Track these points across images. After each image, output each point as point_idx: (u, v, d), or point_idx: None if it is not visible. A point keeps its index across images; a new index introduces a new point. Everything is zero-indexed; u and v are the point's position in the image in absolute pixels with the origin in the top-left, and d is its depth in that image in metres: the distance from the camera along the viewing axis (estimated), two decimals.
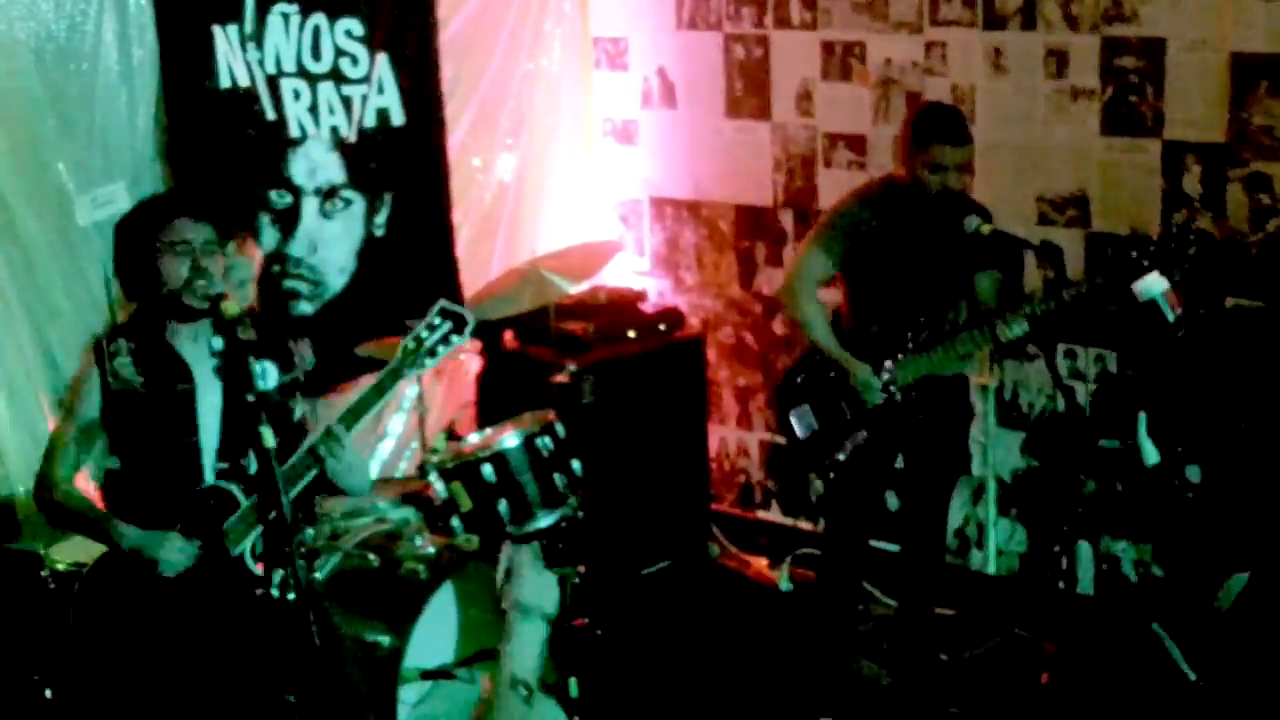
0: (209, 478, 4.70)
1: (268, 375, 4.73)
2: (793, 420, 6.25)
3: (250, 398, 4.40)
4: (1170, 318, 5.22)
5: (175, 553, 4.62)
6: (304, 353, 4.96)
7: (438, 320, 4.78)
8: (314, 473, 4.70)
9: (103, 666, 4.65)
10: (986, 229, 5.66)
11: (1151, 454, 6.02)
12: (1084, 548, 6.52)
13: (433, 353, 4.76)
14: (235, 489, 4.67)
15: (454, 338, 4.77)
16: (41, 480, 4.81)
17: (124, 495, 4.76)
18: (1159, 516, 6.55)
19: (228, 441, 4.71)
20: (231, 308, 4.46)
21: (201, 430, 4.72)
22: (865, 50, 7.20)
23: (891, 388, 5.98)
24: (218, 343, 4.58)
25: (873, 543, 6.40)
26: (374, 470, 7.31)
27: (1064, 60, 6.62)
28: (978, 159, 6.74)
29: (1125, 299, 5.31)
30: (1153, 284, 5.25)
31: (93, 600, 4.71)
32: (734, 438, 8.06)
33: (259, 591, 4.63)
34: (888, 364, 5.98)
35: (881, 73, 7.18)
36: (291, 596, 4.46)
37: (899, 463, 6.28)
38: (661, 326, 7.60)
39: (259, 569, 4.64)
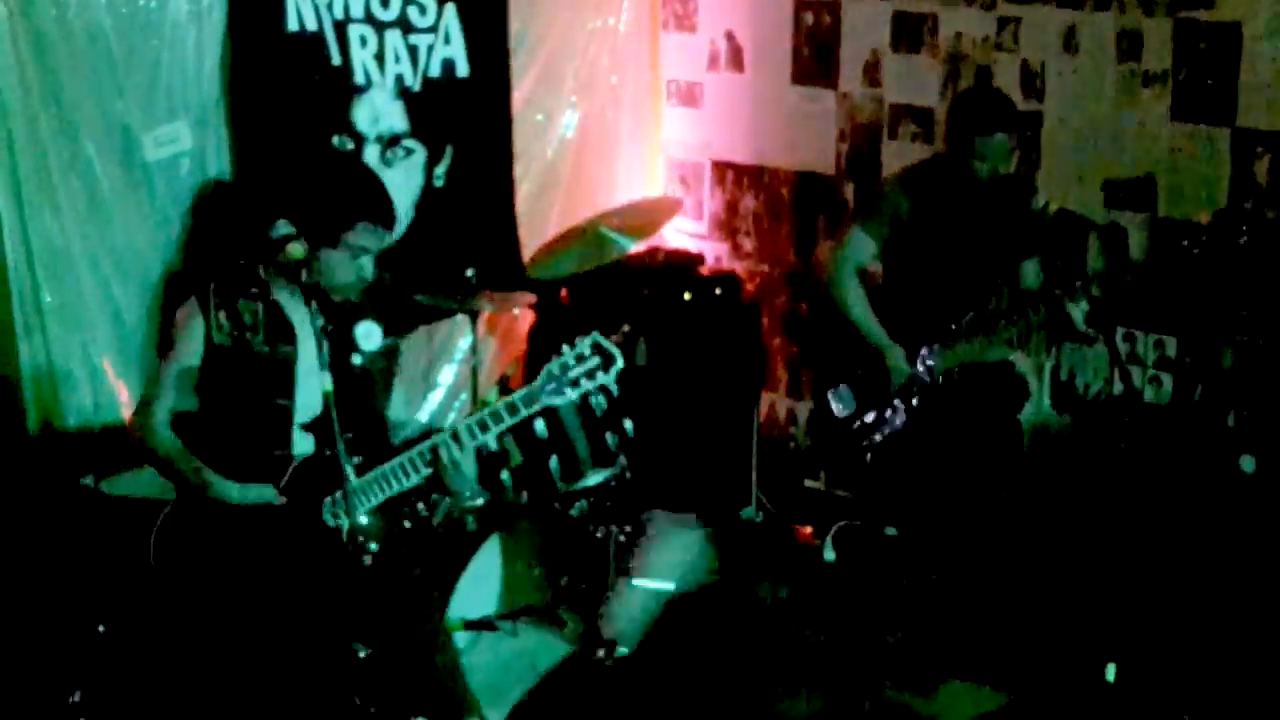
0: (297, 443, 4.65)
1: (371, 337, 4.70)
2: (831, 400, 6.25)
3: (355, 363, 4.46)
4: None
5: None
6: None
7: (587, 352, 4.66)
8: (427, 473, 4.66)
9: (178, 607, 4.64)
10: (1054, 207, 5.62)
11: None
12: None
13: (575, 383, 4.66)
14: (349, 465, 4.56)
15: (599, 374, 4.65)
16: (136, 422, 4.78)
17: (196, 440, 4.71)
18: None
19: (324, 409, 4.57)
20: (296, 250, 4.41)
21: (298, 393, 4.70)
22: (937, 23, 7.14)
23: (926, 376, 5.97)
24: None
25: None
26: (423, 420, 7.33)
27: (1137, 42, 6.55)
28: (1045, 138, 6.73)
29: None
30: None
31: (175, 542, 4.67)
32: (784, 405, 8.03)
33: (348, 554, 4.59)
34: (924, 351, 5.97)
35: (951, 46, 7.11)
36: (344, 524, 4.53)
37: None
38: (717, 291, 7.55)
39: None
